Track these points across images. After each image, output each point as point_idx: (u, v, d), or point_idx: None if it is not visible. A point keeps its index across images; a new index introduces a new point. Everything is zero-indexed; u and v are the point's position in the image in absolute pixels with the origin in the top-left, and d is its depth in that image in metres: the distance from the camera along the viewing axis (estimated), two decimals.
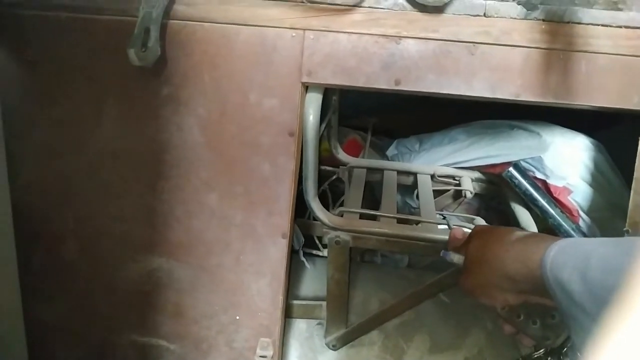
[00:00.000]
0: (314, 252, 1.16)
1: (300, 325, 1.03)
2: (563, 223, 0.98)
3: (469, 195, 1.15)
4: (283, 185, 0.77)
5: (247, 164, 0.77)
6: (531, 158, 1.02)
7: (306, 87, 0.77)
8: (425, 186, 1.15)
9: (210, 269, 0.82)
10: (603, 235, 0.96)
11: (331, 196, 1.26)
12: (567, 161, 0.99)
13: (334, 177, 1.25)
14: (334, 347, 0.99)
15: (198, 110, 0.76)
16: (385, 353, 1.01)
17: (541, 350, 0.59)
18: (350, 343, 1.00)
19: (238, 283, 0.82)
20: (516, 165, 1.03)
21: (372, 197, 1.28)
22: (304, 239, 1.14)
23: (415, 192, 1.17)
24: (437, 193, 1.20)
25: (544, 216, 1.00)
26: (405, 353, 1.01)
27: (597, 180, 0.98)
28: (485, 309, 1.03)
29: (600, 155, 0.99)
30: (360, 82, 0.73)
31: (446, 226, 0.97)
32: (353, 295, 1.05)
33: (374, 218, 0.96)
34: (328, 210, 0.94)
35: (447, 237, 0.73)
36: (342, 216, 0.94)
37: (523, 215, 1.05)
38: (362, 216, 0.96)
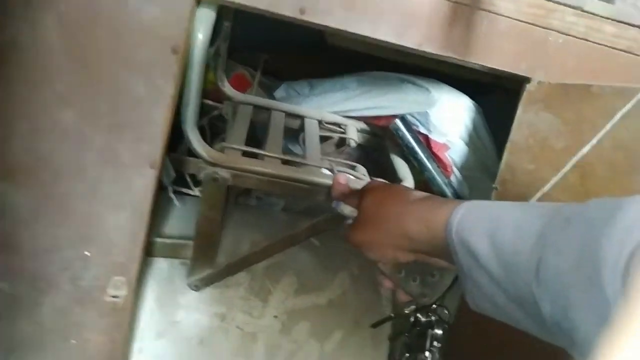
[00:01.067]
0: (185, 190, 1.07)
1: (161, 265, 0.97)
2: (437, 177, 1.01)
3: (352, 144, 1.15)
4: (158, 109, 0.67)
5: (117, 79, 0.65)
6: (418, 112, 1.04)
7: (198, 1, 0.66)
8: (312, 131, 1.12)
9: (58, 197, 0.69)
10: (471, 192, 1.02)
11: (210, 134, 1.16)
12: (450, 119, 1.02)
13: (216, 112, 1.15)
14: (196, 288, 0.95)
15: (59, 7, 0.61)
16: (251, 294, 1.00)
17: (412, 307, 0.60)
18: (214, 284, 0.96)
19: (91, 215, 0.71)
20: (403, 118, 1.03)
21: (254, 139, 1.21)
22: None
23: (301, 136, 1.13)
24: (322, 139, 1.17)
25: (421, 169, 1.03)
26: (271, 294, 1.01)
27: (473, 140, 1.03)
28: (353, 254, 1.06)
29: (479, 117, 1.04)
30: (262, 4, 0.65)
31: (330, 172, 0.95)
32: (224, 236, 1.01)
33: (256, 157, 0.91)
34: None
35: (330, 182, 0.71)
36: (222, 152, 0.87)
37: (402, 167, 1.07)
38: (245, 154, 0.89)
